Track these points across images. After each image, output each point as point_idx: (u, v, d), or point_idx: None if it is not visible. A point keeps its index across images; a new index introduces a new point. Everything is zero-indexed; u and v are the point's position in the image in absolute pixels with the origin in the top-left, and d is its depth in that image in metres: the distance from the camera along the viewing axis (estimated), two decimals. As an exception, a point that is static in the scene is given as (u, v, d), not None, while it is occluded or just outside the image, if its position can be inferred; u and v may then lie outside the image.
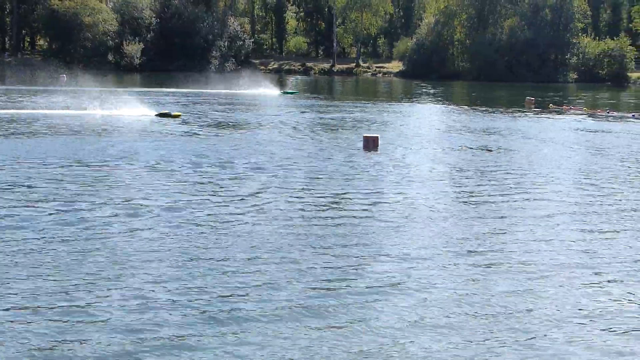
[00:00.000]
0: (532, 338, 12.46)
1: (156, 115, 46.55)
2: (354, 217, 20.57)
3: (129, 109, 48.18)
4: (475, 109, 63.96)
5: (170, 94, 69.23)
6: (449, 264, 16.39)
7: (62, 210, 20.04)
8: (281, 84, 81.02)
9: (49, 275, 14.74)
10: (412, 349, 11.89)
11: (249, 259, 16.18)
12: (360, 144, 35.77)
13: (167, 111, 47.67)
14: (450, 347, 12.00)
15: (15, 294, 13.67)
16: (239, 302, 13.64)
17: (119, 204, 21.11)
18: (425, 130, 45.56)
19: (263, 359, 11.37)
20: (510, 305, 13.92)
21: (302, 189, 24.27)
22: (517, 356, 11.77)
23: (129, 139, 36.34)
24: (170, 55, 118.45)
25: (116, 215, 19.78)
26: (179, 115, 46.50)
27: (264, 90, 76.45)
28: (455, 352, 11.83)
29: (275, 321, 12.77)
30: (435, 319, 13.16)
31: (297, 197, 22.86)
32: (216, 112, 52.25)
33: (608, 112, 62.69)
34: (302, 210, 21.21)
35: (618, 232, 19.99)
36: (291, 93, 76.82)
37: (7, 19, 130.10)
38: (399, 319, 13.04)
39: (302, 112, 54.55)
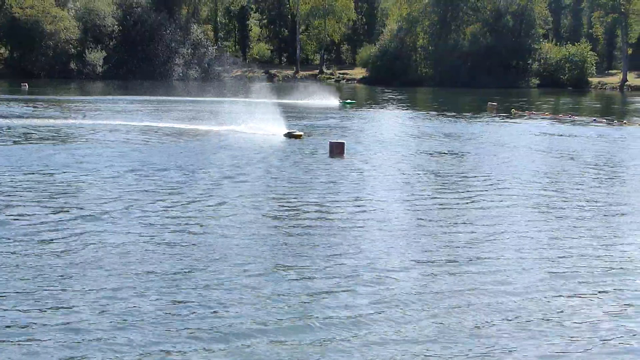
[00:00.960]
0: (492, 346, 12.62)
1: (284, 135, 43.04)
2: (319, 223, 20.66)
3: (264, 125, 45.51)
4: (438, 114, 64.27)
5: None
6: (410, 267, 16.53)
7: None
8: (339, 94, 77.19)
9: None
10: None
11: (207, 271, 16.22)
12: (327, 150, 35.81)
13: (292, 131, 43.88)
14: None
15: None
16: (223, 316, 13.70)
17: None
18: (389, 135, 45.73)
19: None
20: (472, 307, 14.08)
21: (266, 196, 24.29)
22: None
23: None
24: (133, 63, 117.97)
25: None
26: (301, 136, 42.66)
27: (323, 101, 75.29)
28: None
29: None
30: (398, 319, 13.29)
31: (259, 205, 22.90)
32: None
33: (570, 117, 63.25)
34: (265, 217, 21.27)
35: (581, 232, 20.22)
36: (349, 103, 72.82)
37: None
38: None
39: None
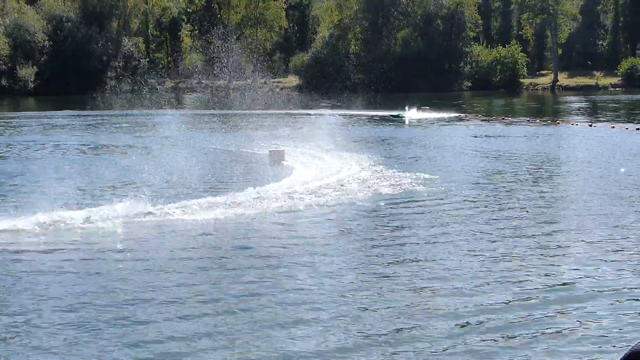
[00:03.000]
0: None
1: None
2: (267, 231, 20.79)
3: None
4: (373, 119, 64.58)
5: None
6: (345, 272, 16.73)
7: None
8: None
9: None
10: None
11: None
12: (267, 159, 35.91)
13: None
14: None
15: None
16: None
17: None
18: (326, 141, 45.94)
19: None
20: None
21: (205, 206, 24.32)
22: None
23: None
24: (65, 78, 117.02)
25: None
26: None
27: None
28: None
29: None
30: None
31: (201, 214, 22.94)
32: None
33: (503, 119, 64.02)
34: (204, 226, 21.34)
35: (519, 231, 20.59)
36: (397, 116, 66.23)
37: None
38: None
39: (198, 128, 54.40)
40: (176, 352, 12.15)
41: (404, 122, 56.62)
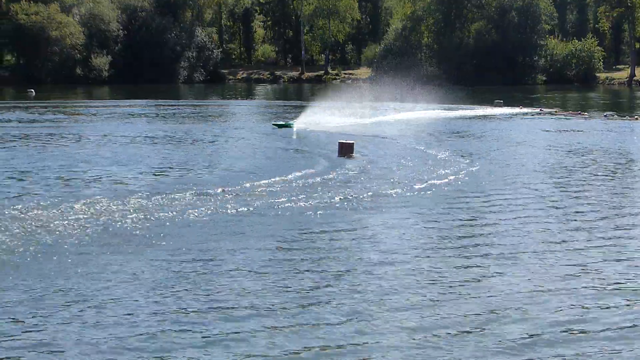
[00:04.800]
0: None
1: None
2: (335, 226, 20.48)
3: None
4: (447, 112, 63.86)
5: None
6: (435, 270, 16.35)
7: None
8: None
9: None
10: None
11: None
12: (336, 150, 35.57)
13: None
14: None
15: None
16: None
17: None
18: (397, 134, 45.52)
19: None
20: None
21: (284, 197, 24.02)
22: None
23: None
24: (138, 67, 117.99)
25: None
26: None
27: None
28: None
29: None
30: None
31: (280, 207, 22.65)
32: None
33: (579, 113, 62.95)
34: (287, 220, 21.06)
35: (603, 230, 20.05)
36: (284, 126, 53.25)
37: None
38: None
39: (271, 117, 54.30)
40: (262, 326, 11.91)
41: (292, 132, 46.77)
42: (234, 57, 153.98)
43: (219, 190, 23.71)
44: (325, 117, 51.55)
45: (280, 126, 48.67)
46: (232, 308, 13.69)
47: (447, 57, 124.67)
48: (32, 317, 13.21)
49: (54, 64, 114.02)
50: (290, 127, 48.42)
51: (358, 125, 50.18)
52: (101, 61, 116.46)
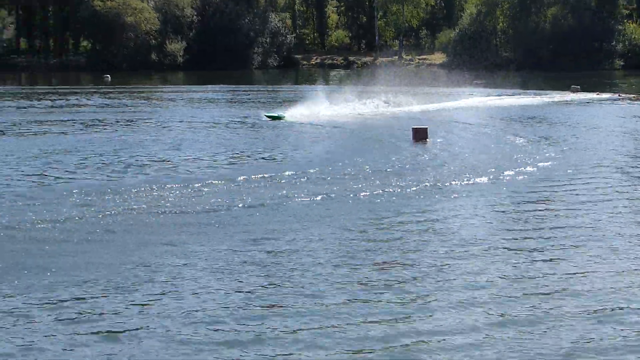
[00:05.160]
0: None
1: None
2: (411, 212, 20.25)
3: None
4: (522, 98, 62.97)
5: None
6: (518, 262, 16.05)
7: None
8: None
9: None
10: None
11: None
12: (409, 136, 35.28)
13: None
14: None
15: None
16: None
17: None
18: (473, 119, 45.05)
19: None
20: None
21: (358, 183, 23.82)
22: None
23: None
24: (212, 53, 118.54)
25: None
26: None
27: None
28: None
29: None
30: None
31: (355, 194, 22.46)
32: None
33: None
34: (364, 207, 20.86)
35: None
36: (276, 117, 45.34)
37: (50, 22, 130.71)
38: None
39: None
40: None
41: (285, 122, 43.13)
42: (307, 42, 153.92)
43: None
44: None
45: (273, 118, 44.32)
46: (304, 295, 13.55)
47: (523, 42, 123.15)
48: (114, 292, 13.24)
49: (129, 50, 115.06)
50: (282, 119, 44.00)
51: (432, 110, 49.75)
52: (176, 47, 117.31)
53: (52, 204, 20.23)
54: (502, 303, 13.11)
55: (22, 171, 26.36)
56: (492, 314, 12.56)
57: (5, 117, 45.63)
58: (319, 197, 21.37)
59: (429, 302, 13.16)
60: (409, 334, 11.79)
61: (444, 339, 11.56)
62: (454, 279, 14.37)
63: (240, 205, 20.34)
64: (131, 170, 26.61)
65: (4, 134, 37.95)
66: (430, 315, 12.53)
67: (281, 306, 12.89)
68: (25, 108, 53.18)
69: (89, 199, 20.98)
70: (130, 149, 31.83)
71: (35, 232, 17.50)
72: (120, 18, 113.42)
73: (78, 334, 11.65)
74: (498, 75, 73.43)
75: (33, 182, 24.27)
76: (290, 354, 11.05)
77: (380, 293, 13.60)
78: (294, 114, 45.49)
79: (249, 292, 13.65)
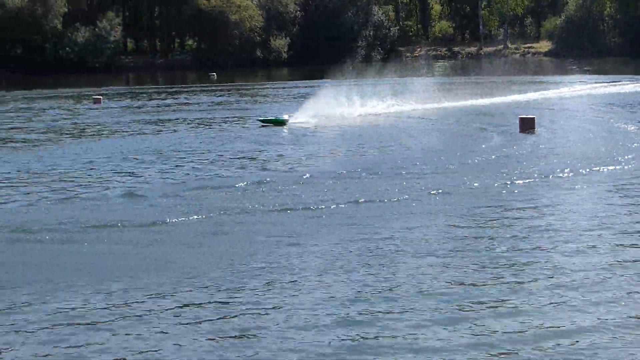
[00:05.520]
0: None
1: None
2: (521, 202, 19.94)
3: None
4: (632, 84, 61.58)
5: None
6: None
7: None
8: None
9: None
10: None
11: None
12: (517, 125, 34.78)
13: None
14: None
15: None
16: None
17: None
18: (583, 107, 44.25)
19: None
20: None
21: (469, 175, 23.55)
22: None
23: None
24: (316, 48, 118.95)
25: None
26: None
27: None
28: None
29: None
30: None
31: (466, 185, 22.23)
32: None
33: None
34: (478, 200, 20.63)
35: None
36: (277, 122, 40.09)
37: (156, 22, 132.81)
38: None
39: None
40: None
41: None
42: (410, 34, 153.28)
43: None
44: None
45: (267, 121, 39.69)
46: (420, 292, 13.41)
47: (632, 27, 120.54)
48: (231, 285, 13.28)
49: (234, 48, 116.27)
50: (284, 123, 39.00)
51: (540, 99, 49.02)
52: (280, 43, 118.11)
53: (181, 202, 20.51)
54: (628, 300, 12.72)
55: (147, 167, 26.88)
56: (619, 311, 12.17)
57: (117, 118, 46.38)
58: (432, 191, 21.15)
59: (549, 303, 12.89)
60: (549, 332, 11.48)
61: (583, 339, 11.21)
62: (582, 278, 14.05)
63: (357, 199, 20.27)
64: (254, 166, 26.82)
65: (120, 134, 38.50)
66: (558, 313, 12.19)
67: (402, 304, 12.74)
68: (136, 108, 54.06)
69: (213, 195, 21.25)
70: (250, 146, 32.05)
71: (166, 230, 17.80)
72: (224, 16, 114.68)
73: (205, 333, 11.67)
74: (607, 62, 72.01)
75: (162, 178, 24.57)
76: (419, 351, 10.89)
77: (506, 290, 13.33)
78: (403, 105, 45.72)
79: (370, 287, 13.52)
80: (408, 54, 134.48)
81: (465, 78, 77.83)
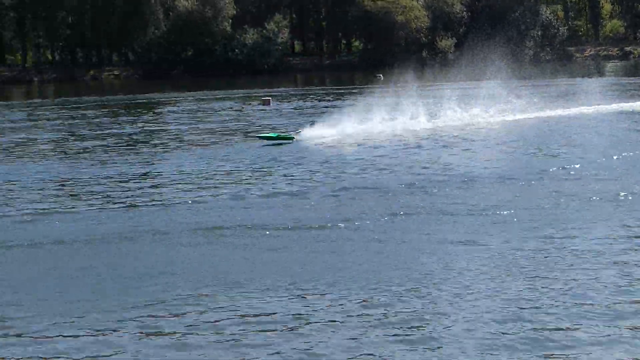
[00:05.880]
0: None
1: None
2: None
3: None
4: None
5: None
6: None
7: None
8: None
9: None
10: None
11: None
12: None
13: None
14: None
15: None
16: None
17: None
18: None
19: None
20: None
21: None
22: None
23: None
24: (484, 48, 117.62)
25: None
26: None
27: None
28: None
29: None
30: None
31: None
32: None
33: None
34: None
35: None
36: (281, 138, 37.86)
37: (322, 23, 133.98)
38: None
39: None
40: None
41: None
42: (580, 34, 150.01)
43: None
44: None
45: (266, 138, 36.84)
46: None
47: None
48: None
49: (400, 48, 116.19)
50: (291, 140, 36.51)
51: None
52: (446, 44, 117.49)
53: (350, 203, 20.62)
54: None
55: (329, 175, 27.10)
56: None
57: (287, 119, 46.86)
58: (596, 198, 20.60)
59: None
60: None
61: None
62: None
63: (528, 202, 19.95)
64: (409, 171, 26.71)
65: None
66: None
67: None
68: (305, 109, 54.53)
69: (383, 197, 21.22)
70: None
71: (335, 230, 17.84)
72: (390, 17, 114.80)
73: (380, 338, 11.66)
74: None
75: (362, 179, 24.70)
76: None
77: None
78: None
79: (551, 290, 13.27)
80: (578, 55, 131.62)
81: (637, 79, 75.66)
